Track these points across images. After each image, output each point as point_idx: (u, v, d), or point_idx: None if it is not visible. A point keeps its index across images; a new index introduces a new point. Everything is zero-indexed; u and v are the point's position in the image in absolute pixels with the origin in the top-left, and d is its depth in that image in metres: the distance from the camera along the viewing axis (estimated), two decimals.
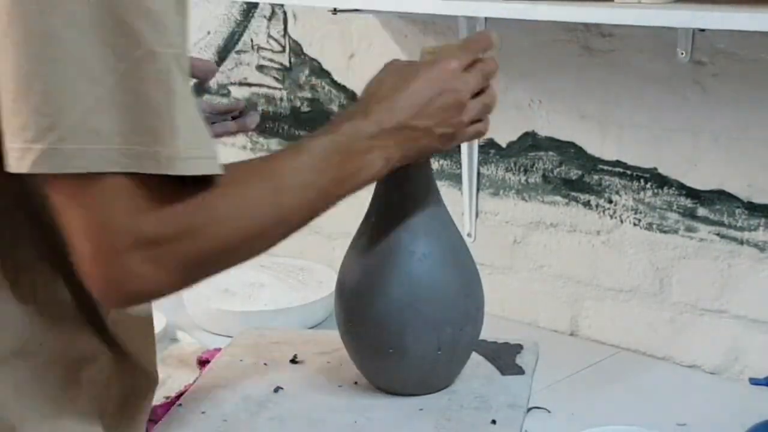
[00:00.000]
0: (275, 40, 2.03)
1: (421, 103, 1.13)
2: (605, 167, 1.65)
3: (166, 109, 0.87)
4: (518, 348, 1.50)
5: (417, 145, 1.14)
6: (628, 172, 1.62)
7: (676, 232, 1.59)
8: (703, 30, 1.43)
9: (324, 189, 1.04)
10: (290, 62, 2.01)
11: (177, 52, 0.88)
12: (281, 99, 2.05)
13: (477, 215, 1.80)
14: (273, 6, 2.01)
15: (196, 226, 0.92)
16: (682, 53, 1.49)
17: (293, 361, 1.49)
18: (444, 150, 1.20)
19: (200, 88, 1.47)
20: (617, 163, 1.63)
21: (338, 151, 1.06)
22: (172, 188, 0.89)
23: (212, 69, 1.44)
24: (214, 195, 0.93)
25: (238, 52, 2.10)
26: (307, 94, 2.00)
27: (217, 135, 1.40)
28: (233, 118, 1.39)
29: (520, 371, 1.43)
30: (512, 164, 1.74)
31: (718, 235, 1.55)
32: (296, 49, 2.00)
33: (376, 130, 1.10)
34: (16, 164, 0.86)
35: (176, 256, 0.91)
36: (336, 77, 1.95)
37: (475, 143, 1.76)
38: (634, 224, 1.63)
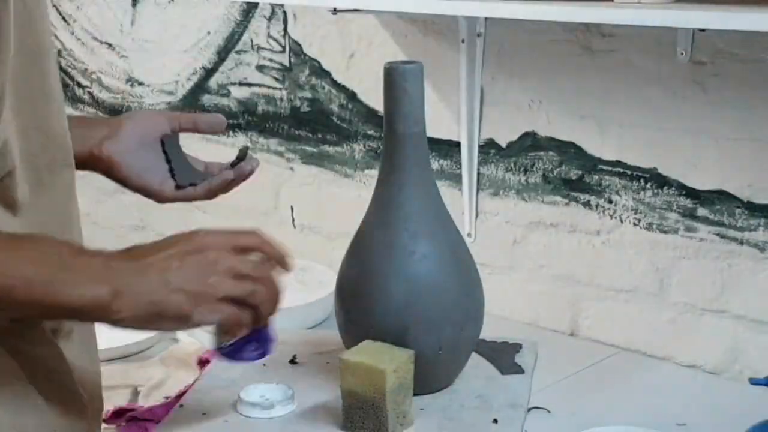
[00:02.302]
0: (275, 40, 2.03)
1: (159, 252, 1.05)
2: (605, 167, 1.65)
3: None
4: (518, 348, 1.50)
5: (148, 293, 1.02)
6: (628, 172, 1.62)
7: (676, 232, 1.59)
8: (703, 30, 1.43)
9: (33, 284, 0.98)
10: (290, 62, 2.01)
11: None
12: (281, 99, 2.05)
13: (477, 215, 1.80)
14: (273, 6, 2.01)
15: None
16: (682, 53, 1.49)
17: (292, 361, 1.49)
18: (193, 318, 1.05)
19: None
20: (617, 163, 1.63)
21: (62, 256, 1.01)
22: None
23: (220, 122, 1.38)
24: None
25: (238, 52, 2.09)
26: (307, 94, 2.00)
27: (217, 190, 1.34)
28: (232, 165, 1.34)
29: (519, 371, 1.44)
30: (512, 164, 1.74)
31: (718, 235, 1.55)
32: (296, 49, 2.00)
33: (105, 262, 1.03)
34: None
35: None
36: (336, 77, 1.95)
37: (476, 143, 1.76)
38: (634, 224, 1.63)
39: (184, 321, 1.06)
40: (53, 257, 1.00)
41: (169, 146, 1.33)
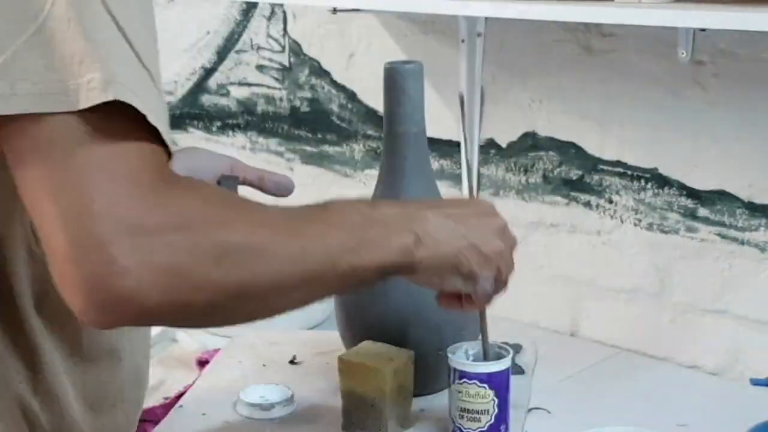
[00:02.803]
0: (275, 39, 2.02)
1: (460, 209, 1.07)
2: (605, 167, 1.64)
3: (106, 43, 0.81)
4: (518, 348, 1.50)
5: (448, 242, 1.03)
6: (629, 172, 1.62)
7: (676, 232, 1.59)
8: (703, 30, 1.43)
9: (345, 243, 0.94)
10: (290, 62, 2.01)
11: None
12: (281, 99, 2.05)
13: None
14: (273, 6, 2.00)
15: (197, 219, 0.84)
16: (683, 53, 1.48)
17: (292, 362, 1.49)
18: (468, 280, 1.06)
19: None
20: (617, 164, 1.63)
21: (362, 214, 0.98)
22: (159, 162, 0.83)
23: (289, 187, 1.28)
24: (214, 197, 0.88)
25: (237, 52, 2.09)
26: (307, 94, 2.00)
27: None
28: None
29: (520, 371, 1.43)
30: (512, 164, 1.74)
31: (718, 235, 1.55)
32: (296, 49, 1.99)
33: (402, 211, 1.02)
34: None
35: (166, 250, 0.81)
36: (336, 77, 1.95)
37: (476, 143, 1.76)
38: (635, 224, 1.63)
39: (471, 281, 1.06)
40: (353, 218, 0.96)
41: (225, 185, 1.23)
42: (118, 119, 0.82)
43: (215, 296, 0.86)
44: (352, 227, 0.96)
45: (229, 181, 1.23)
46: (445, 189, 1.76)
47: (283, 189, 1.27)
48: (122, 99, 0.81)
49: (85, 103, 0.80)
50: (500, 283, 1.11)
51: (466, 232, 1.05)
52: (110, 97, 0.80)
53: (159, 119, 0.85)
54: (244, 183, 1.24)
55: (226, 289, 0.86)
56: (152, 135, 0.85)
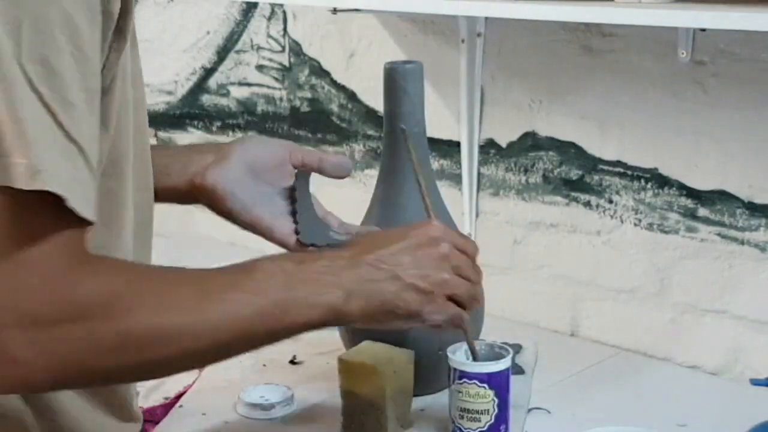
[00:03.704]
0: (275, 39, 2.02)
1: (391, 247, 1.04)
2: (605, 167, 1.64)
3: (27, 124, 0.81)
4: (518, 348, 1.50)
5: (380, 289, 1.01)
6: (629, 172, 1.62)
7: (676, 232, 1.59)
8: (704, 30, 1.43)
9: (264, 309, 0.95)
10: (290, 62, 2.01)
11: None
12: (281, 99, 2.05)
13: (477, 215, 1.80)
14: (272, 6, 2.00)
15: (99, 309, 0.85)
16: (683, 53, 1.49)
17: (292, 362, 1.49)
18: (423, 316, 1.05)
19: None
20: (617, 164, 1.63)
21: (287, 273, 0.97)
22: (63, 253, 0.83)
23: (346, 168, 1.24)
24: (120, 278, 0.88)
25: (237, 52, 2.09)
26: (307, 94, 2.00)
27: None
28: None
29: (520, 371, 1.43)
30: (512, 164, 1.74)
31: (718, 235, 1.55)
32: (296, 49, 1.99)
33: (340, 264, 1.01)
34: None
35: (62, 342, 0.83)
36: (336, 77, 1.95)
37: (475, 143, 1.76)
38: (635, 224, 1.63)
39: (414, 319, 1.05)
40: (277, 280, 0.97)
41: (299, 184, 1.20)
42: (37, 203, 0.82)
43: (110, 379, 0.92)
44: (275, 290, 0.96)
45: (301, 180, 1.20)
46: (445, 189, 1.76)
47: (341, 170, 1.23)
48: (47, 189, 0.81)
49: (4, 181, 0.80)
50: (461, 305, 1.08)
51: (401, 272, 1.03)
52: (36, 187, 0.81)
53: (82, 195, 0.84)
54: (303, 168, 1.21)
55: (122, 373, 0.90)
56: (73, 214, 0.85)
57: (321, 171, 1.22)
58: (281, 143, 1.24)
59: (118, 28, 0.92)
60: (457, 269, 1.07)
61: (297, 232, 1.18)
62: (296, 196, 1.20)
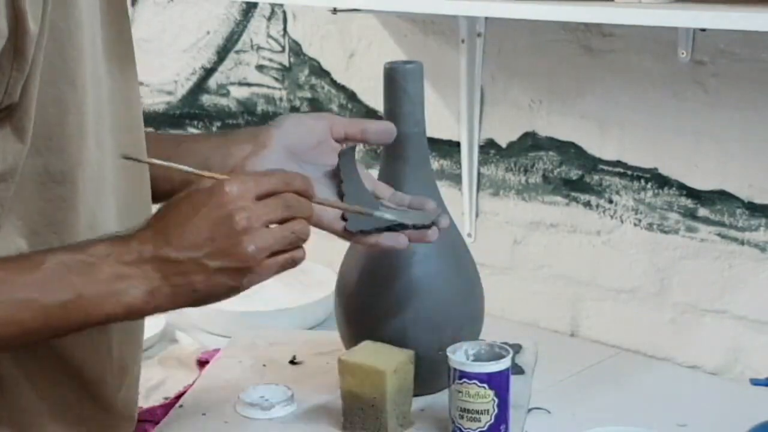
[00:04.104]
0: (275, 39, 2.02)
1: (186, 231, 0.96)
2: (605, 167, 1.64)
3: None
4: (518, 348, 1.50)
5: (189, 281, 0.96)
6: (629, 172, 1.62)
7: (676, 232, 1.59)
8: (704, 30, 1.43)
9: (48, 309, 0.92)
10: (290, 62, 2.01)
11: None
12: (281, 99, 2.05)
13: (477, 215, 1.80)
14: (272, 6, 2.00)
15: None
16: (683, 53, 1.49)
17: (292, 362, 1.49)
18: (244, 287, 0.99)
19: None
20: (617, 164, 1.63)
21: (78, 271, 0.94)
22: None
23: (390, 132, 1.20)
24: None
25: (237, 52, 2.09)
26: (307, 94, 2.00)
27: (387, 249, 1.17)
28: (414, 226, 1.15)
29: (520, 371, 1.43)
30: (512, 164, 1.74)
31: (718, 235, 1.55)
32: (296, 49, 1.99)
33: (134, 258, 0.95)
34: None
35: None
36: (335, 77, 1.95)
37: (475, 143, 1.76)
38: (635, 224, 1.63)
39: (235, 292, 1.00)
40: (66, 279, 0.94)
41: (344, 162, 1.16)
42: None
43: None
44: (62, 291, 0.93)
45: (346, 157, 1.16)
46: (445, 189, 1.76)
47: (386, 135, 1.20)
48: None
49: None
50: (279, 253, 1.00)
51: (204, 258, 0.96)
52: None
53: None
54: (347, 140, 1.17)
55: None
56: None
57: (365, 140, 1.20)
58: (319, 118, 1.20)
59: (15, 49, 0.91)
60: (266, 222, 0.99)
61: (344, 219, 1.14)
62: (342, 176, 1.16)
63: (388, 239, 1.15)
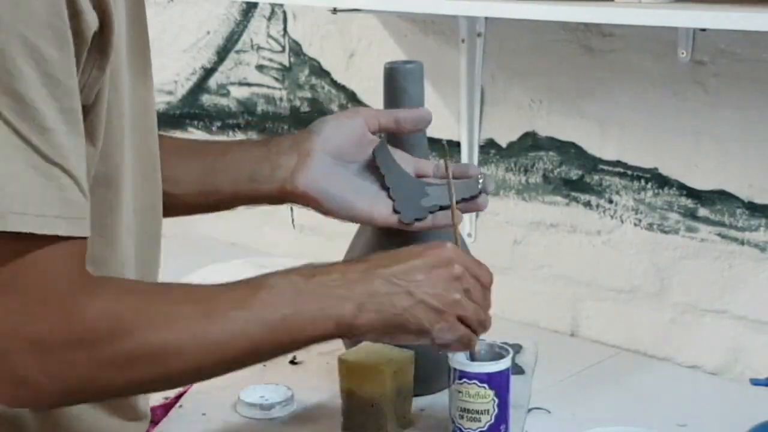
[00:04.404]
0: (275, 39, 2.02)
1: (405, 264, 1.04)
2: (605, 167, 1.64)
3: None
4: (518, 348, 1.50)
5: (392, 305, 1.02)
6: (629, 172, 1.62)
7: (676, 232, 1.59)
8: (704, 30, 1.43)
9: (269, 324, 0.96)
10: (290, 62, 2.01)
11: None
12: (281, 99, 2.05)
13: (477, 215, 1.80)
14: (272, 6, 2.00)
15: (101, 331, 0.87)
16: (683, 53, 1.49)
17: (292, 362, 1.49)
18: (433, 334, 1.05)
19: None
20: (618, 164, 1.63)
21: (296, 288, 0.98)
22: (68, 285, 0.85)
23: (425, 118, 1.22)
24: (124, 299, 0.89)
25: (237, 52, 2.09)
26: (307, 94, 2.00)
27: (442, 225, 1.22)
28: (468, 198, 1.20)
29: (520, 371, 1.43)
30: (512, 164, 1.74)
31: (718, 235, 1.55)
32: (296, 49, 1.99)
33: (341, 277, 1.01)
34: None
35: (71, 364, 0.86)
36: (336, 77, 1.95)
37: (475, 143, 1.76)
38: (635, 224, 1.63)
39: (423, 336, 1.05)
40: (285, 295, 0.97)
41: (380, 154, 1.18)
42: (24, 234, 0.83)
43: (119, 395, 0.96)
44: (283, 306, 0.97)
45: (380, 150, 1.18)
46: None
47: (422, 122, 1.23)
48: (20, 230, 0.82)
49: None
50: (470, 327, 1.09)
51: (414, 288, 1.03)
52: (9, 228, 0.82)
53: (71, 214, 0.86)
54: (381, 131, 1.20)
55: (130, 390, 0.94)
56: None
57: (400, 130, 1.22)
58: (354, 115, 1.22)
59: (100, 46, 0.91)
60: (468, 293, 1.07)
61: (396, 211, 1.19)
62: (383, 170, 1.18)
63: (443, 219, 1.20)
